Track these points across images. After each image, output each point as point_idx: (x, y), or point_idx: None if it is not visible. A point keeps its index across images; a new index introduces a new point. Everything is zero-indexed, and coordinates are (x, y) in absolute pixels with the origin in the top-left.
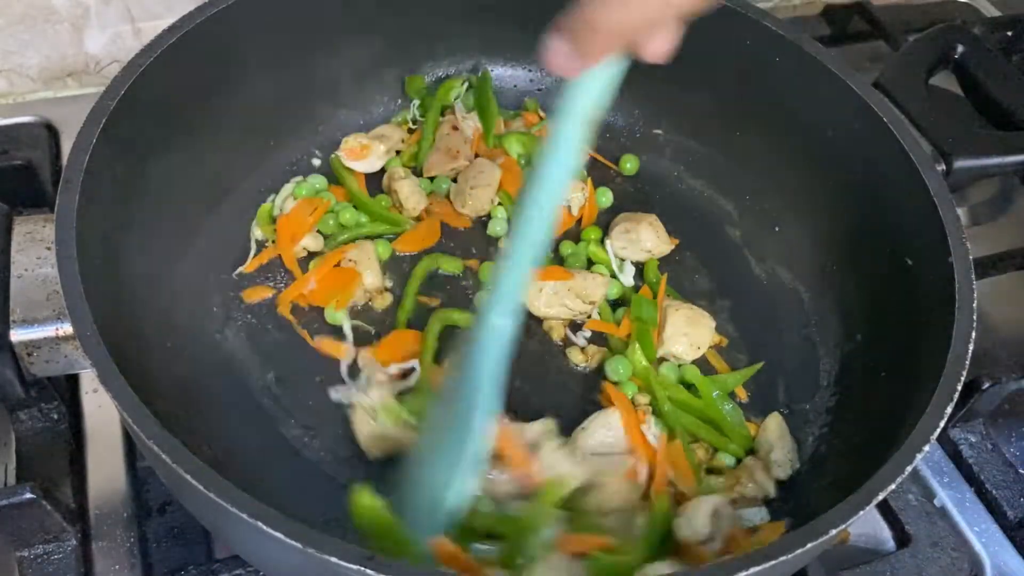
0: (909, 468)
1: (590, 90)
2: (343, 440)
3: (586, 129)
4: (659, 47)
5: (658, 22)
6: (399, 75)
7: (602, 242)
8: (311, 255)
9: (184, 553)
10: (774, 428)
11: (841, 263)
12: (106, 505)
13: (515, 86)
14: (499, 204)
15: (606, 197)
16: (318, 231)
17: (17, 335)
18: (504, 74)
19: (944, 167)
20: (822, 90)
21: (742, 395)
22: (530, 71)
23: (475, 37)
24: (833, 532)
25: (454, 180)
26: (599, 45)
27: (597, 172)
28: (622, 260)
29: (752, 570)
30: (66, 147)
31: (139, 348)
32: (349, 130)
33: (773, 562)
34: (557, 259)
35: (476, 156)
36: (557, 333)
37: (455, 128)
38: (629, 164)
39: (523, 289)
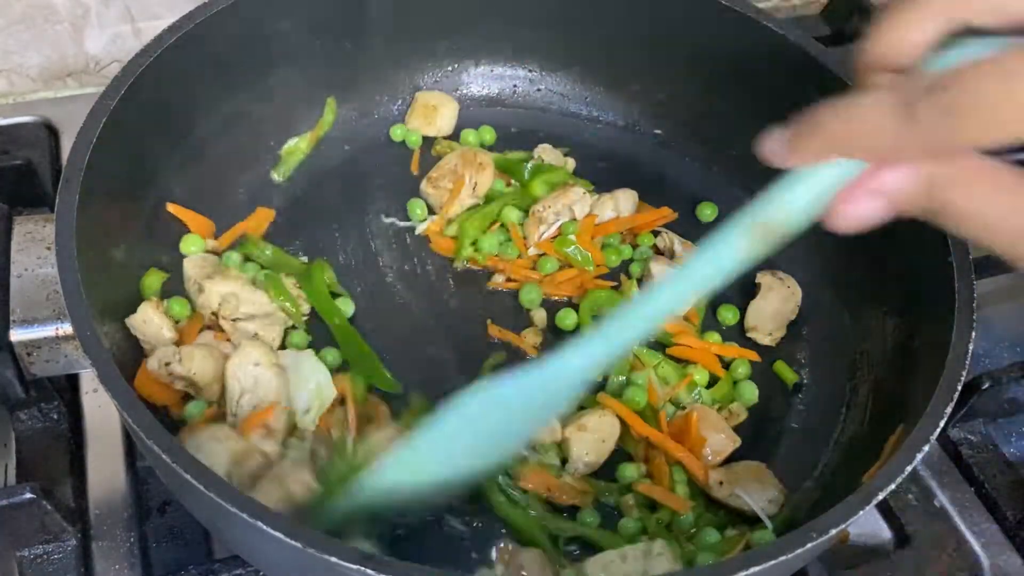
0: (909, 468)
1: (792, 190)
2: None
3: (760, 239)
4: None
5: (888, 151)
6: (402, 75)
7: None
8: None
9: (184, 553)
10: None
11: (840, 264)
12: (106, 505)
13: (515, 86)
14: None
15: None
16: None
17: (17, 335)
18: (504, 74)
19: None
20: (822, 91)
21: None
22: (530, 71)
23: (475, 36)
24: (833, 532)
25: None
26: (815, 146)
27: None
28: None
29: (752, 570)
30: (66, 147)
31: (139, 348)
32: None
33: (773, 562)
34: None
35: None
36: None
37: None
38: None
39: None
